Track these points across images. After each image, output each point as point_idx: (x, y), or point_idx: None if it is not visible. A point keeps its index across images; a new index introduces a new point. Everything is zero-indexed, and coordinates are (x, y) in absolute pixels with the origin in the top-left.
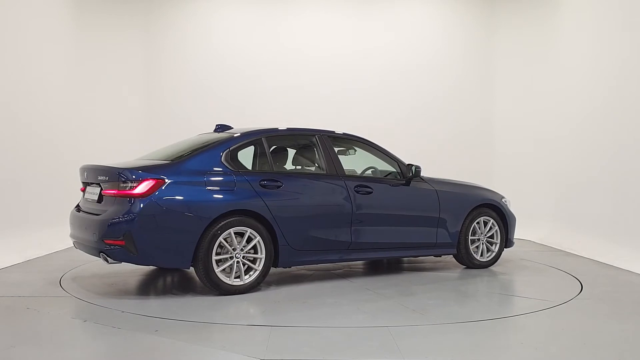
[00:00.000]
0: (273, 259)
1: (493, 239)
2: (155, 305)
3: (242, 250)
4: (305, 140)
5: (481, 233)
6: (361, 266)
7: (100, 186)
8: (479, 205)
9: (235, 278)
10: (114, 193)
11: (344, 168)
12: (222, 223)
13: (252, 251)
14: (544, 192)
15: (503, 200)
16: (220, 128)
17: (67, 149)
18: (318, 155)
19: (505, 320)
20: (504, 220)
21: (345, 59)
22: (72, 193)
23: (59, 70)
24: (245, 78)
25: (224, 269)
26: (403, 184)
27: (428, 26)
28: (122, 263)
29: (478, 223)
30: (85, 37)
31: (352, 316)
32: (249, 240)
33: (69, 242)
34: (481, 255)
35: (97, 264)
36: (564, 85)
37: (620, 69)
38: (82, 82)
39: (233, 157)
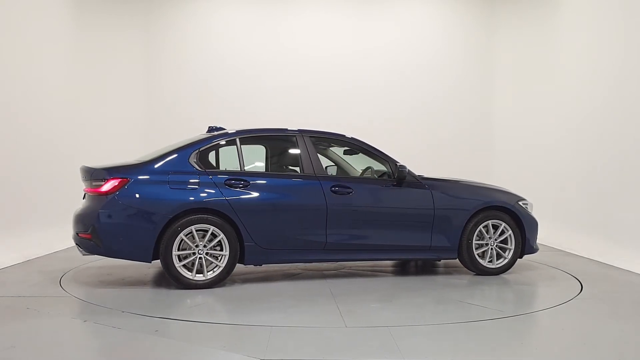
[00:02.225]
0: (240, 257)
1: (507, 244)
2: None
3: (204, 247)
4: (285, 141)
5: (489, 237)
6: (389, 266)
7: None
8: (488, 207)
9: (197, 273)
10: (88, 191)
11: (355, 168)
12: (183, 220)
13: (218, 248)
14: (543, 192)
15: (520, 202)
16: (213, 130)
17: (67, 149)
18: (296, 155)
19: (505, 320)
20: (521, 224)
21: (345, 59)
22: (72, 193)
23: (59, 70)
24: (245, 78)
25: (186, 264)
26: (393, 185)
27: (428, 26)
28: (124, 260)
29: (486, 227)
30: (85, 37)
31: (270, 315)
32: (215, 237)
33: (69, 242)
34: (490, 261)
35: (97, 264)
36: (564, 85)
37: (620, 68)
38: (82, 82)
39: (202, 158)
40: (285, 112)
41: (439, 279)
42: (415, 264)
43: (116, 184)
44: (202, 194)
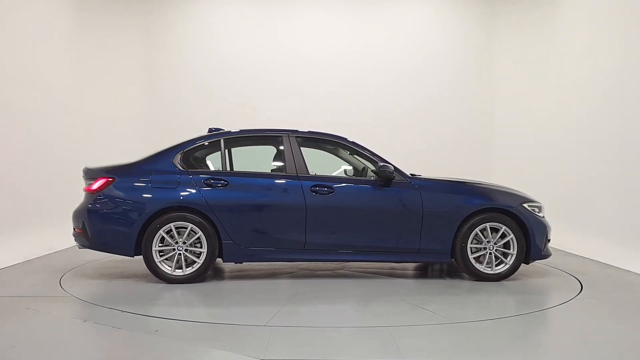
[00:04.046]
0: (219, 254)
1: (510, 249)
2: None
3: (184, 243)
4: (271, 141)
5: (488, 241)
6: (408, 269)
7: None
8: (486, 209)
9: (177, 269)
10: (84, 189)
11: (368, 166)
12: (162, 218)
13: (199, 245)
14: (543, 192)
15: (526, 205)
16: (213, 131)
17: (67, 149)
18: (281, 155)
19: (505, 320)
20: (525, 228)
21: (346, 59)
22: (72, 193)
23: (59, 71)
24: (245, 78)
25: (166, 259)
26: (380, 185)
27: (428, 26)
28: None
29: (484, 230)
30: (86, 36)
31: (203, 309)
32: (196, 234)
33: (69, 242)
34: (488, 266)
35: (97, 264)
36: (564, 85)
37: (620, 67)
38: (82, 82)
39: (185, 158)
40: (285, 112)
41: (435, 283)
42: (440, 267)
43: (103, 182)
44: (181, 193)
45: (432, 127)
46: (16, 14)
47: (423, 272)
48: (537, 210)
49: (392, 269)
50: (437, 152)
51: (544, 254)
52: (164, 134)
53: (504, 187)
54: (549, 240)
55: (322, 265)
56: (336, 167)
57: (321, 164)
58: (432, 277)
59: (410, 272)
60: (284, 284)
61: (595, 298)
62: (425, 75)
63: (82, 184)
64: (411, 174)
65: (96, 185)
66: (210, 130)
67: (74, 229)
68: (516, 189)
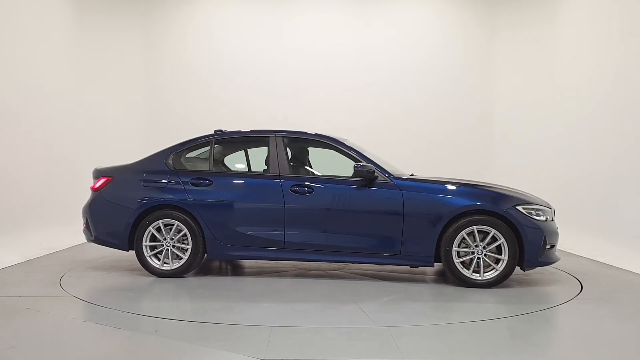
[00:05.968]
0: (203, 250)
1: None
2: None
3: (171, 239)
4: (259, 142)
5: (476, 245)
6: (430, 273)
7: None
8: (475, 211)
9: (165, 264)
10: (90, 188)
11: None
12: (151, 215)
13: (186, 242)
14: (543, 192)
15: (519, 207)
16: (219, 132)
17: (67, 149)
18: (267, 155)
19: (504, 320)
20: (518, 232)
21: (346, 59)
22: (72, 193)
23: (59, 71)
24: (245, 77)
25: (158, 254)
26: (362, 185)
27: (429, 26)
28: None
29: (472, 233)
30: (85, 37)
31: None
32: (181, 231)
33: (69, 242)
34: (476, 271)
35: (97, 263)
36: (564, 85)
37: (620, 67)
38: (82, 82)
39: (177, 159)
40: (285, 112)
41: (423, 286)
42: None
43: (103, 182)
44: (168, 192)
45: (432, 127)
46: (16, 14)
47: (437, 277)
48: (535, 213)
49: (394, 271)
50: (437, 152)
51: (542, 261)
52: (164, 134)
53: (500, 188)
54: (552, 246)
55: (324, 265)
56: (338, 166)
57: (324, 163)
58: (425, 281)
59: (403, 275)
60: (259, 281)
61: (595, 298)
62: (425, 75)
63: (81, 183)
64: (411, 174)
65: (98, 184)
66: (216, 131)
67: (83, 224)
68: (518, 189)
